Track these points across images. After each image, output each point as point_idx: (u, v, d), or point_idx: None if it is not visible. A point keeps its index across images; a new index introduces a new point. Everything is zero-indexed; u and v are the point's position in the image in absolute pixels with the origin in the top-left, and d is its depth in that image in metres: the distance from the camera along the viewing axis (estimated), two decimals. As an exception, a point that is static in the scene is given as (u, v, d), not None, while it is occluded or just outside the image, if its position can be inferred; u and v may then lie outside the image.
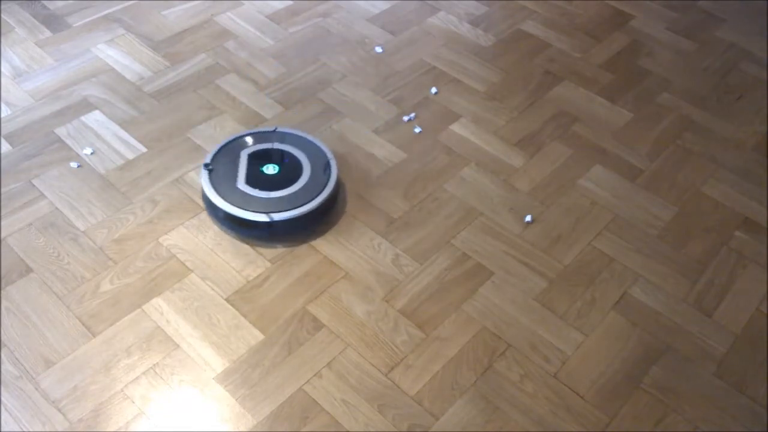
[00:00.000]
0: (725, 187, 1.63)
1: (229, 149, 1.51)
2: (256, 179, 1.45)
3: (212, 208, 1.44)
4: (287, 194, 1.43)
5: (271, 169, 1.47)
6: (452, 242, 1.46)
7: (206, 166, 1.45)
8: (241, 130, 1.65)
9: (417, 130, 1.68)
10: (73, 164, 1.55)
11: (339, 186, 1.50)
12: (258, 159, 1.49)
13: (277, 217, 1.39)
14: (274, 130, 1.55)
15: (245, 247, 1.42)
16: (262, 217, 1.38)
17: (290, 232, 1.43)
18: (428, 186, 1.57)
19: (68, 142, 1.61)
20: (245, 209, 1.39)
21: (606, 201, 1.57)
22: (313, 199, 1.42)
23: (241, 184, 1.43)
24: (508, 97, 1.81)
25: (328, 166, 1.48)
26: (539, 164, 1.64)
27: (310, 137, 1.55)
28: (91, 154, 1.58)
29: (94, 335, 1.27)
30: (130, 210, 1.48)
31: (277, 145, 1.52)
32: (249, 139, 1.53)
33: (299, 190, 1.44)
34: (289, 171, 1.48)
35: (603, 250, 1.47)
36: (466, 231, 1.49)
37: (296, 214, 1.40)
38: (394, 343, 1.29)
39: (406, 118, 1.68)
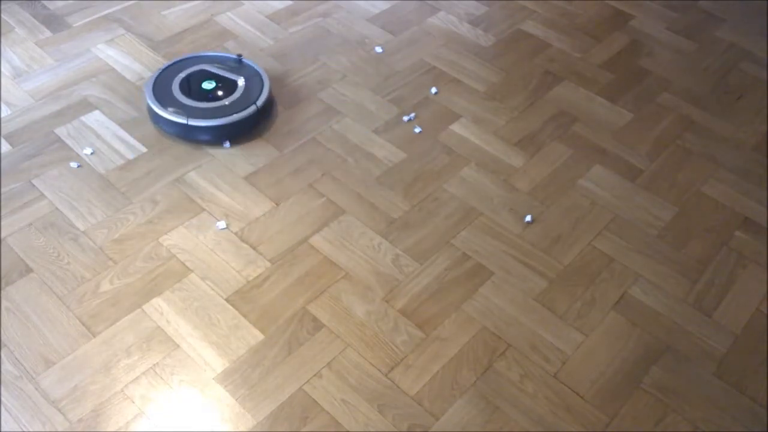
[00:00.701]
0: (725, 187, 1.63)
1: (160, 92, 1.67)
2: (191, 91, 1.67)
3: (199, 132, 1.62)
4: (242, 92, 1.66)
5: (209, 85, 1.68)
6: (452, 242, 1.46)
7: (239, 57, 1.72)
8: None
9: (417, 130, 1.68)
10: (73, 164, 1.55)
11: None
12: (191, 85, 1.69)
13: (260, 102, 1.64)
14: (239, 58, 1.75)
15: (245, 247, 1.42)
16: (250, 110, 1.62)
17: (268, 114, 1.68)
18: (428, 186, 1.57)
19: (68, 142, 1.61)
20: (231, 114, 1.61)
21: (606, 201, 1.57)
22: (262, 84, 1.69)
23: (177, 93, 1.65)
24: (508, 97, 1.81)
25: (240, 61, 1.74)
26: (539, 164, 1.64)
27: (255, 66, 1.74)
28: (91, 154, 1.58)
29: (94, 335, 1.27)
30: (130, 210, 1.48)
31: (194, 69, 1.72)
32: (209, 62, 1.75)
33: (247, 83, 1.68)
34: (221, 79, 1.70)
35: (603, 250, 1.47)
36: (466, 231, 1.49)
37: (267, 96, 1.66)
38: (394, 343, 1.29)
39: (406, 118, 1.68)
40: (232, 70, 1.71)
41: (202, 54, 1.76)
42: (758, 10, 2.19)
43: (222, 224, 1.45)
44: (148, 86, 1.65)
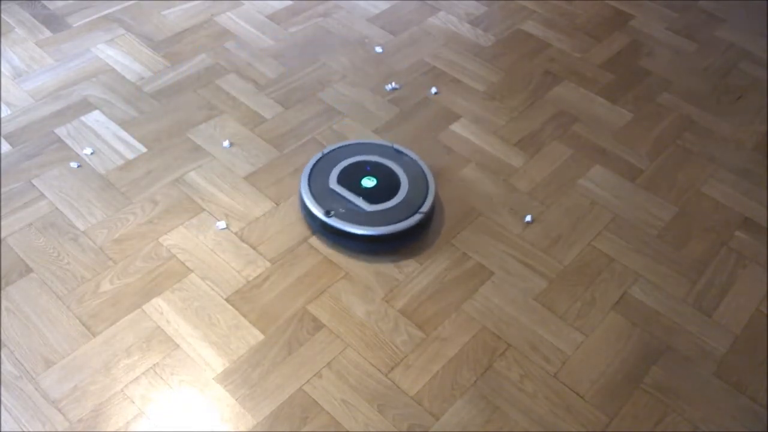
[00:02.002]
0: (725, 187, 1.63)
1: (318, 192, 1.46)
2: (370, 197, 1.43)
3: (358, 241, 1.41)
4: (407, 191, 1.44)
5: (369, 182, 1.45)
6: (452, 242, 1.46)
7: (327, 213, 1.40)
8: (243, 129, 1.65)
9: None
10: (73, 164, 1.55)
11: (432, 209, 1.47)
12: (348, 181, 1.46)
13: (425, 208, 1.41)
14: (323, 155, 1.52)
15: (245, 247, 1.42)
16: (416, 218, 1.40)
17: (432, 218, 1.45)
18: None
19: (68, 142, 1.61)
20: (396, 222, 1.39)
21: (606, 201, 1.57)
22: (427, 182, 1.46)
23: (367, 207, 1.41)
24: (508, 97, 1.81)
25: (397, 151, 1.51)
26: (539, 164, 1.64)
27: (361, 141, 1.56)
28: (91, 154, 1.58)
29: (94, 335, 1.27)
30: (130, 210, 1.48)
31: (348, 161, 1.50)
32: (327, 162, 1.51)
33: (410, 182, 1.46)
34: (382, 174, 1.48)
35: (603, 250, 1.47)
36: (466, 231, 1.49)
37: (433, 199, 1.43)
38: (394, 343, 1.29)
39: (389, 87, 1.65)
40: (390, 159, 1.51)
41: (356, 142, 1.56)
42: (758, 10, 2.19)
43: (222, 224, 1.45)
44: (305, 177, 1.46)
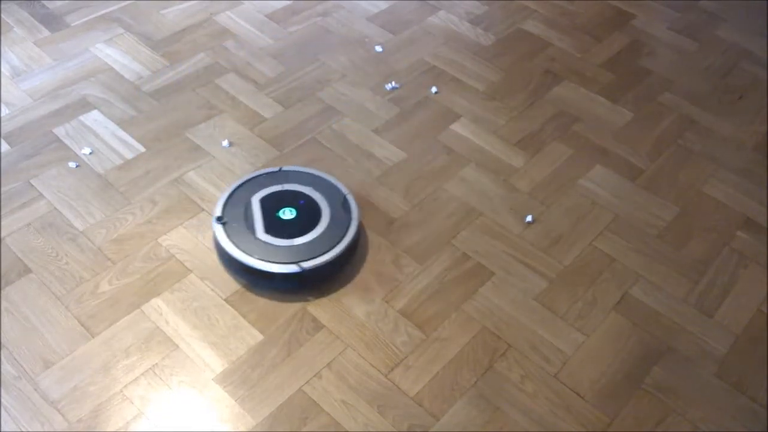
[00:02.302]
0: (726, 187, 1.62)
1: (237, 197, 1.40)
2: (274, 226, 1.35)
3: (231, 262, 1.33)
4: (312, 239, 1.33)
5: (287, 214, 1.37)
6: (452, 242, 1.46)
7: (219, 219, 1.35)
8: (242, 129, 1.65)
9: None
10: (72, 164, 1.55)
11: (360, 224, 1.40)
12: (271, 204, 1.39)
13: (307, 265, 1.29)
14: (279, 170, 1.46)
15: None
16: (291, 268, 1.29)
17: (320, 279, 1.35)
18: (428, 186, 1.57)
19: (67, 141, 1.60)
20: (270, 261, 1.29)
21: (606, 201, 1.57)
22: (339, 241, 1.33)
23: (261, 234, 1.33)
24: (508, 96, 1.81)
25: (345, 201, 1.39)
26: (539, 164, 1.64)
27: (319, 173, 1.46)
28: (90, 153, 1.58)
29: (93, 336, 1.26)
30: (129, 210, 1.47)
31: (287, 187, 1.42)
32: (256, 184, 1.43)
33: (323, 232, 1.34)
34: (307, 213, 1.38)
35: (603, 250, 1.47)
36: (466, 231, 1.48)
37: (326, 260, 1.31)
38: (394, 343, 1.29)
39: (389, 86, 1.65)
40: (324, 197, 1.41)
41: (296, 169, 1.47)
42: (758, 10, 2.19)
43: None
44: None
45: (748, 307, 1.39)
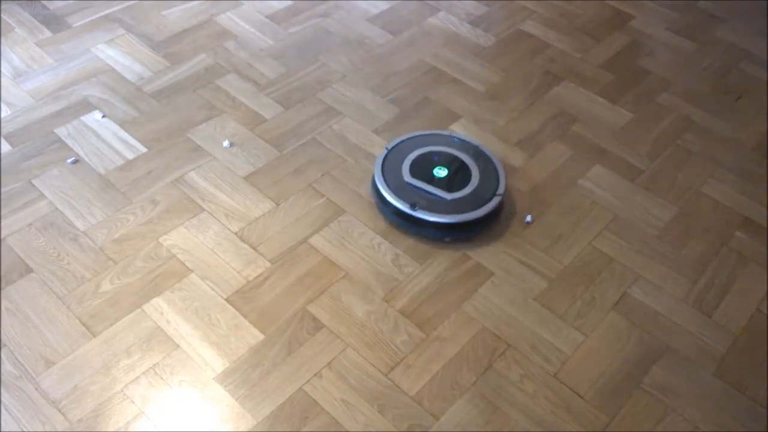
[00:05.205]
0: (725, 188, 1.63)
1: (395, 186, 1.49)
2: (447, 185, 1.48)
3: (452, 230, 1.45)
4: (480, 177, 1.49)
5: (441, 172, 1.50)
6: (452, 242, 1.46)
7: (413, 206, 1.43)
8: (243, 130, 1.65)
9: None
10: (69, 160, 1.55)
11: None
12: (421, 173, 1.50)
13: (501, 189, 1.46)
14: (388, 152, 1.55)
15: (245, 247, 1.42)
16: (496, 200, 1.45)
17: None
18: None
19: (68, 142, 1.61)
20: (479, 207, 1.44)
21: (606, 201, 1.57)
22: (495, 166, 1.52)
23: (448, 195, 1.45)
24: (508, 97, 1.81)
25: (458, 140, 1.56)
26: (539, 164, 1.64)
27: (420, 132, 1.60)
28: (92, 154, 1.58)
29: (94, 335, 1.27)
30: (130, 210, 1.48)
31: (415, 155, 1.54)
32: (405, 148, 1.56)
33: (479, 168, 1.51)
34: (451, 163, 1.52)
35: (603, 250, 1.47)
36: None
37: (505, 180, 1.49)
38: (394, 343, 1.29)
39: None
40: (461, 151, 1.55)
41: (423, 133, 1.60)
42: (758, 10, 2.19)
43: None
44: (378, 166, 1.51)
45: (747, 306, 1.39)
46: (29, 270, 1.36)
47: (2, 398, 1.18)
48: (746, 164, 1.69)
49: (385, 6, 2.07)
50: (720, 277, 1.44)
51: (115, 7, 1.99)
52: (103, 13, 1.97)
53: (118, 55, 1.84)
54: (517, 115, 1.76)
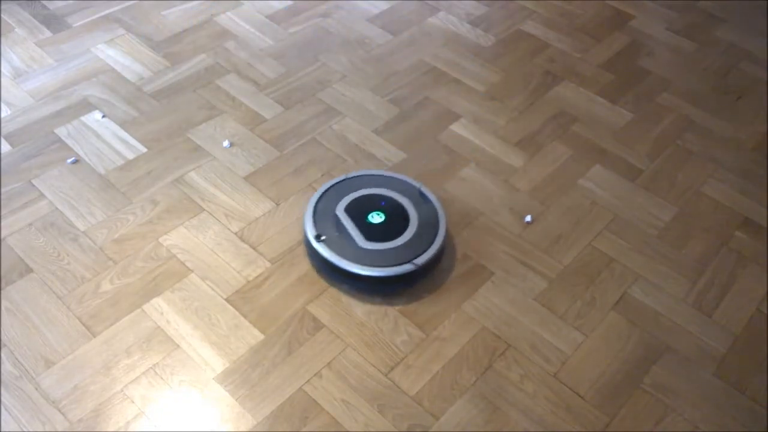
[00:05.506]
0: (725, 188, 1.63)
1: (322, 212, 1.40)
2: (370, 233, 1.36)
3: (341, 274, 1.34)
4: (412, 236, 1.36)
5: (377, 218, 1.38)
6: (452, 242, 1.46)
7: (317, 237, 1.34)
8: (243, 130, 1.66)
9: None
10: (69, 160, 1.55)
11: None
12: (356, 211, 1.40)
13: (420, 260, 1.31)
14: (346, 179, 1.47)
15: (245, 247, 1.42)
16: (406, 268, 1.31)
17: (429, 271, 1.37)
18: (428, 186, 1.57)
19: (68, 142, 1.61)
20: (384, 266, 1.31)
21: (606, 201, 1.57)
22: (436, 233, 1.37)
23: (362, 242, 1.34)
24: (508, 97, 1.81)
25: (421, 194, 1.43)
26: (539, 164, 1.64)
27: (386, 173, 1.49)
28: (91, 154, 1.58)
29: (94, 335, 1.27)
30: (130, 210, 1.48)
31: (365, 192, 1.43)
32: (334, 195, 1.44)
33: (419, 227, 1.37)
34: (394, 213, 1.40)
35: (603, 250, 1.47)
36: (466, 231, 1.49)
37: (435, 251, 1.34)
38: (394, 343, 1.29)
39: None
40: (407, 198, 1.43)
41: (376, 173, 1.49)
42: (758, 10, 2.19)
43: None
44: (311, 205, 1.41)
45: (747, 306, 1.39)
46: (29, 270, 1.36)
47: (2, 398, 1.18)
48: (746, 164, 1.69)
49: (385, 6, 2.07)
50: (720, 277, 1.44)
51: (115, 7, 1.99)
52: (103, 13, 1.97)
53: (118, 55, 1.84)
54: (517, 115, 1.76)
